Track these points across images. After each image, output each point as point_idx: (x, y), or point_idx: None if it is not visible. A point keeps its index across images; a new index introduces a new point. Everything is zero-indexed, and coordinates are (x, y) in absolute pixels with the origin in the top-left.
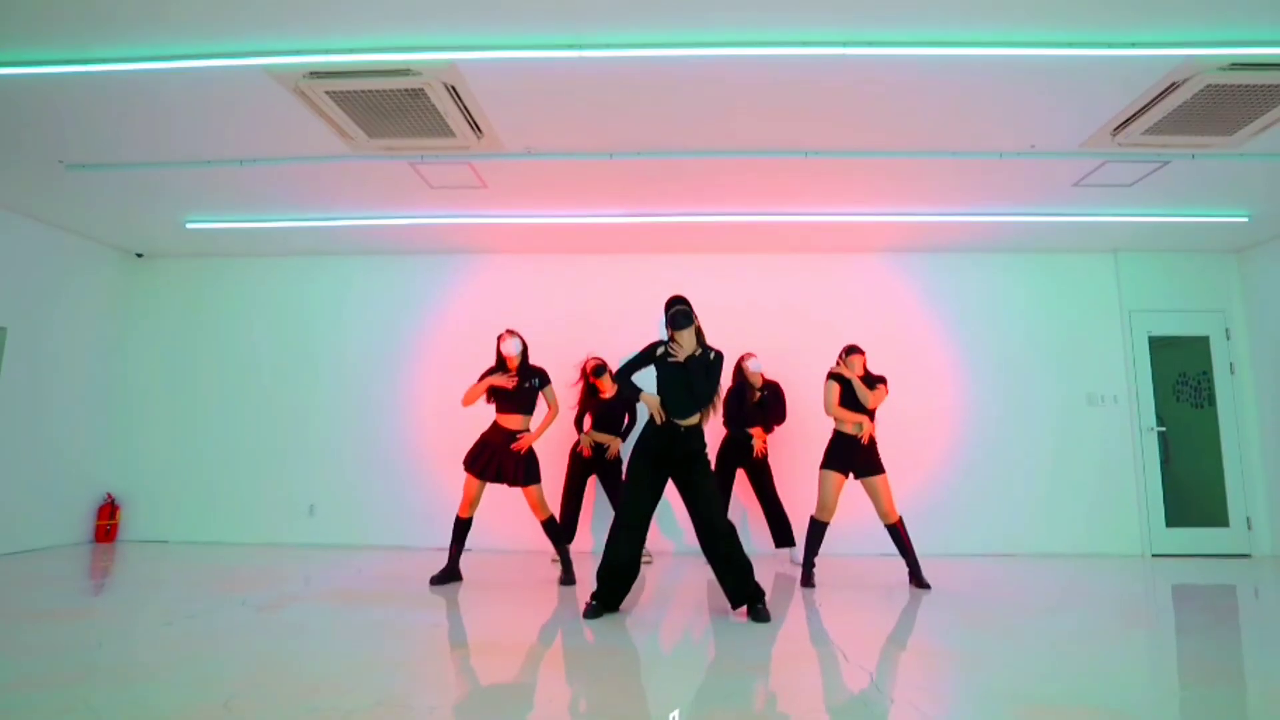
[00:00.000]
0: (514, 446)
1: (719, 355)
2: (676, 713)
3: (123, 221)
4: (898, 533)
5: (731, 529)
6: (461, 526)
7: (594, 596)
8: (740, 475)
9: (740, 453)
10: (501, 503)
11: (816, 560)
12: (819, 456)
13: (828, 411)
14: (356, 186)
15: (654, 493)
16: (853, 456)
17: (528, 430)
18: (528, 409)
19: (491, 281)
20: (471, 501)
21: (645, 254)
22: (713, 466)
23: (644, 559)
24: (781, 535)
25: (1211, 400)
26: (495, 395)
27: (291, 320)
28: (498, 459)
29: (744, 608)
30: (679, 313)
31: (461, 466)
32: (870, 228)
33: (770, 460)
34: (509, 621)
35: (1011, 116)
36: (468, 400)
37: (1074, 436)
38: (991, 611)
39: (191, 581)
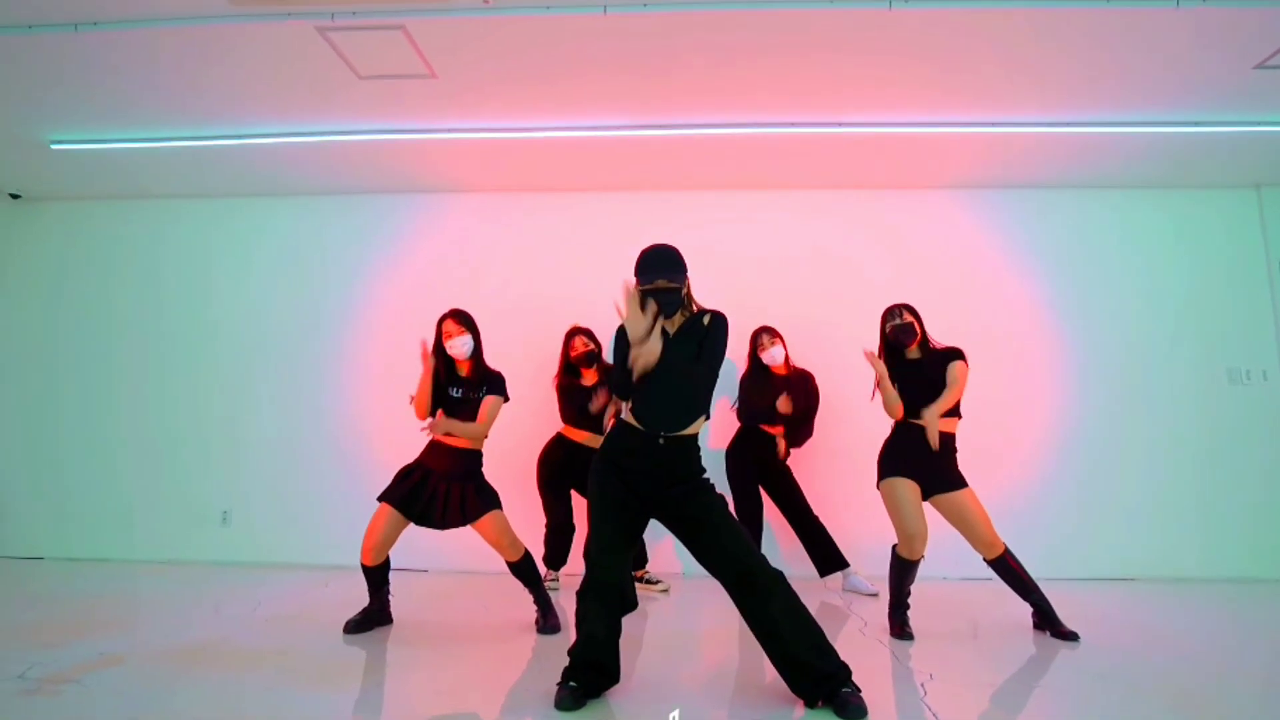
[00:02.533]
0: (427, 430)
1: (717, 318)
2: (676, 713)
3: None
4: (1008, 566)
5: (779, 576)
6: (372, 575)
7: (568, 676)
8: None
9: (757, 453)
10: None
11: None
12: (862, 454)
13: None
14: (256, 79)
15: (630, 533)
16: (921, 458)
17: (479, 451)
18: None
19: (455, 231)
20: (376, 541)
21: (653, 191)
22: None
23: (659, 587)
24: (827, 559)
25: None
26: (437, 402)
27: (198, 281)
28: (429, 490)
29: (820, 697)
30: (661, 293)
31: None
32: (942, 150)
33: (797, 465)
34: (442, 706)
35: None
36: (420, 409)
37: (1213, 424)
38: (1141, 666)
39: (5, 624)
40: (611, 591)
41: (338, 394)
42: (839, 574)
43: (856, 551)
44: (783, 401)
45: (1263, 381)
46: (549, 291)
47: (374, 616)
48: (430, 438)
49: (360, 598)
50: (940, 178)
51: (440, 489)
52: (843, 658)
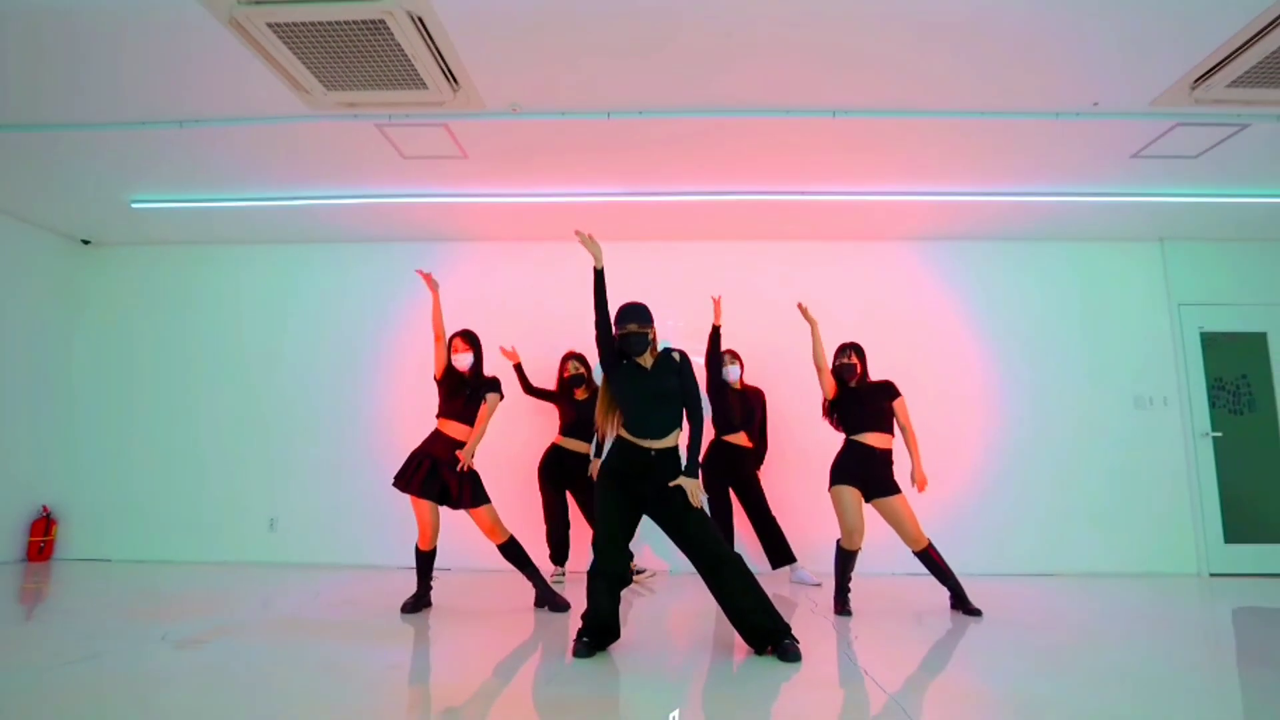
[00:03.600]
0: (459, 466)
1: (684, 355)
2: (676, 713)
3: (62, 200)
4: (930, 558)
5: (738, 558)
6: (423, 559)
7: (581, 635)
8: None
9: (729, 464)
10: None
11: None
12: (814, 466)
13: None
14: (318, 157)
15: (627, 528)
16: (865, 470)
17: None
18: (473, 418)
19: (476, 273)
20: (426, 527)
21: (644, 241)
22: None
23: (646, 575)
24: (777, 553)
25: (1253, 406)
26: (445, 386)
27: (251, 316)
28: (440, 475)
29: (767, 646)
30: (632, 336)
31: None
32: (893, 211)
33: (760, 474)
34: (484, 659)
35: (1076, 65)
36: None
37: (1120, 443)
38: (1038, 640)
39: (116, 609)
40: (614, 573)
41: (373, 415)
42: (787, 568)
43: (809, 545)
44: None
45: (1164, 406)
46: (550, 324)
47: (422, 600)
48: (436, 427)
49: (398, 592)
50: (896, 231)
51: (446, 474)
52: (795, 630)
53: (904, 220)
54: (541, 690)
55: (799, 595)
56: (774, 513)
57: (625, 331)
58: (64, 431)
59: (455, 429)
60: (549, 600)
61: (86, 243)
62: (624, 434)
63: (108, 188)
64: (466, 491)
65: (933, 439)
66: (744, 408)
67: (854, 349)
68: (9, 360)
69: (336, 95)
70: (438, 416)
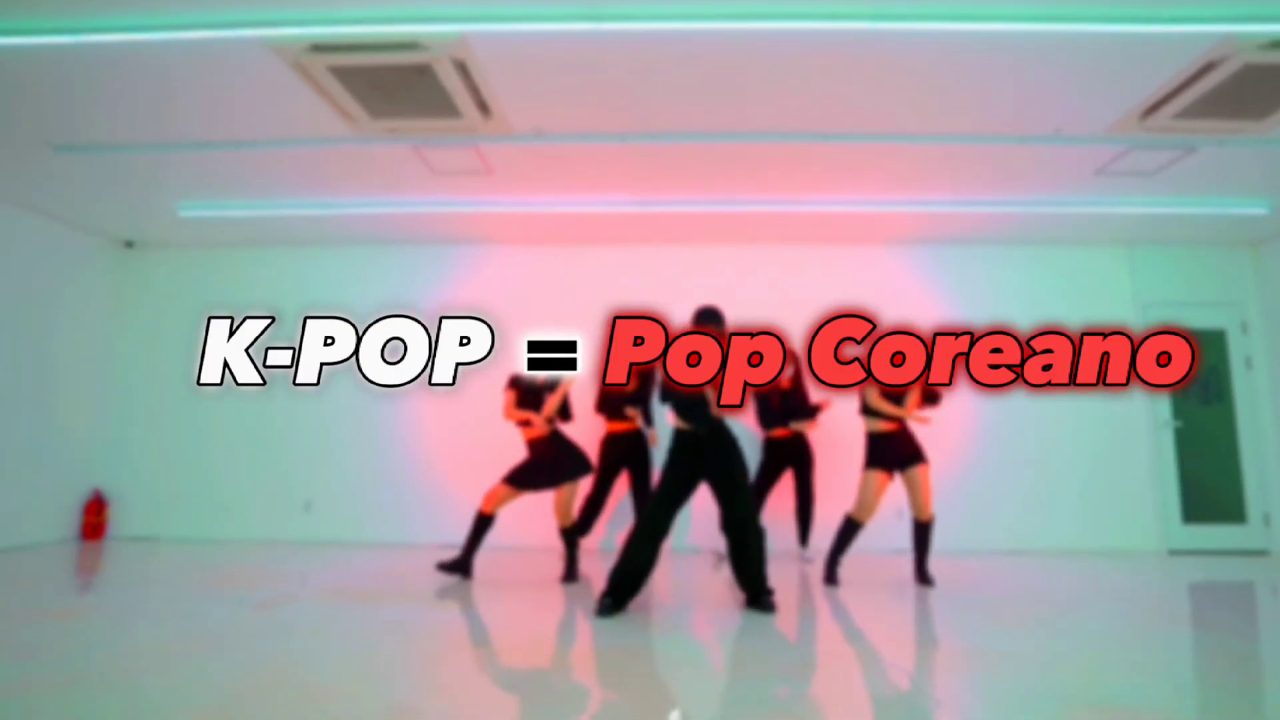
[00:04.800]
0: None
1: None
2: (677, 713)
3: (113, 208)
4: (926, 530)
5: (762, 529)
6: (483, 523)
7: (607, 594)
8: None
9: (781, 459)
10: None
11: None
12: (831, 454)
13: (870, 405)
14: (357, 172)
15: (683, 498)
16: (895, 451)
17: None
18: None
19: (497, 273)
20: (499, 500)
21: (654, 244)
22: (755, 472)
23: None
24: (805, 533)
25: (1221, 396)
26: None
27: (287, 311)
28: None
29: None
30: (707, 315)
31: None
32: (882, 217)
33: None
34: (522, 620)
35: (1039, 98)
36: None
37: (1087, 431)
38: (1010, 610)
39: (184, 579)
40: (657, 540)
41: (401, 403)
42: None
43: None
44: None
45: (1129, 398)
46: (568, 318)
47: (462, 564)
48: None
49: (429, 567)
50: (882, 235)
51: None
52: (796, 594)
53: (888, 226)
54: (578, 641)
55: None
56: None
57: (702, 329)
58: (114, 418)
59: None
60: (568, 577)
61: (130, 245)
62: (678, 424)
63: (158, 199)
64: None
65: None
66: (783, 402)
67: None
68: (61, 353)
69: (380, 123)
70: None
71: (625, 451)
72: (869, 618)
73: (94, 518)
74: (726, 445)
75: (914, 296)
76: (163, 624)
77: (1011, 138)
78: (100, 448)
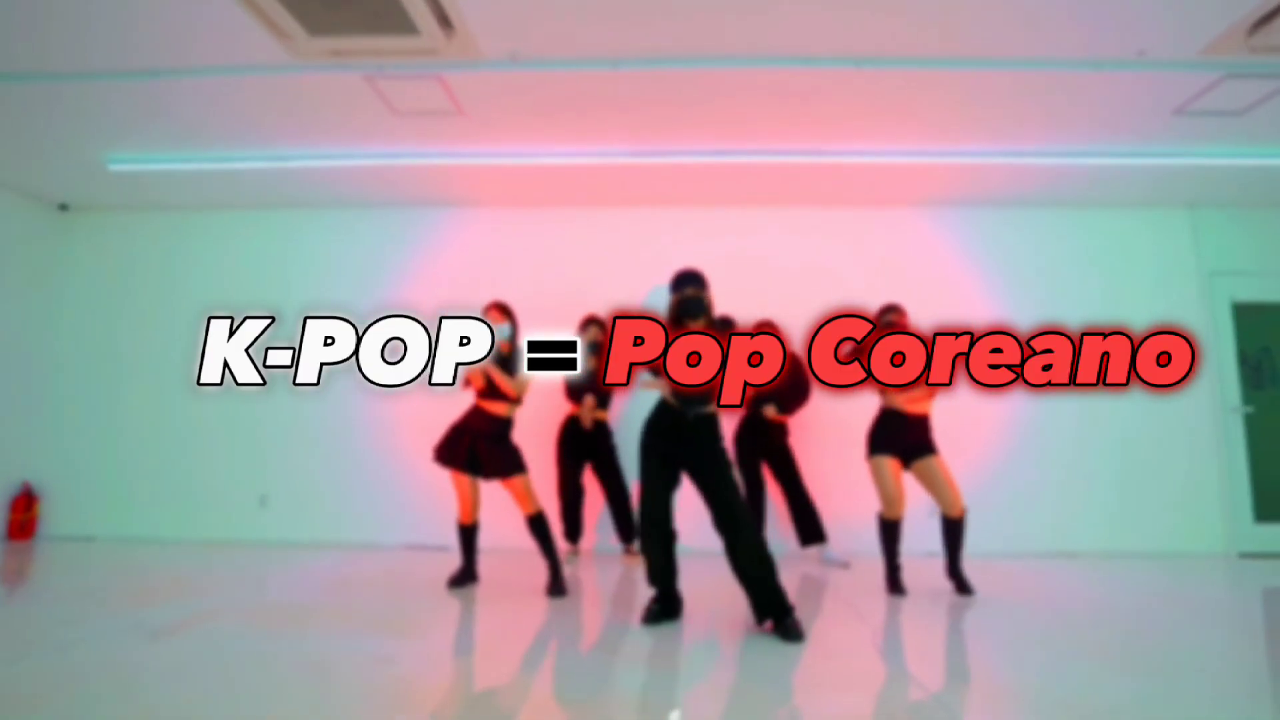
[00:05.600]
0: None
1: (729, 321)
2: (677, 713)
3: (36, 161)
4: (958, 527)
5: (752, 526)
6: (464, 534)
7: (654, 601)
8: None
9: (760, 438)
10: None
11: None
12: (849, 438)
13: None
14: (305, 114)
15: (669, 484)
16: (898, 435)
17: (510, 419)
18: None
19: (475, 240)
20: (464, 499)
21: (654, 207)
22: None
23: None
24: (808, 531)
25: (1276, 379)
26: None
27: (239, 284)
28: (471, 447)
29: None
30: (689, 299)
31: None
32: (912, 174)
33: (794, 446)
34: (490, 648)
35: (1123, 8)
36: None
37: (1146, 418)
38: (1070, 629)
39: (92, 592)
40: (662, 527)
41: (365, 393)
42: (816, 547)
43: (848, 521)
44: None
45: (1194, 381)
46: (559, 295)
47: (469, 574)
48: (474, 403)
49: (393, 572)
50: (914, 195)
51: (481, 446)
52: (797, 601)
53: (920, 185)
54: (563, 689)
55: (824, 575)
56: (809, 489)
57: (683, 296)
58: (46, 404)
59: (497, 406)
60: (557, 588)
61: (64, 208)
62: (668, 398)
63: (82, 147)
64: (500, 461)
65: (947, 412)
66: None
67: (899, 310)
68: None
69: (321, 42)
70: (478, 397)
71: (585, 436)
72: (892, 635)
73: (21, 515)
74: (709, 432)
75: (945, 264)
76: (25, 658)
77: (1086, 63)
78: (30, 436)
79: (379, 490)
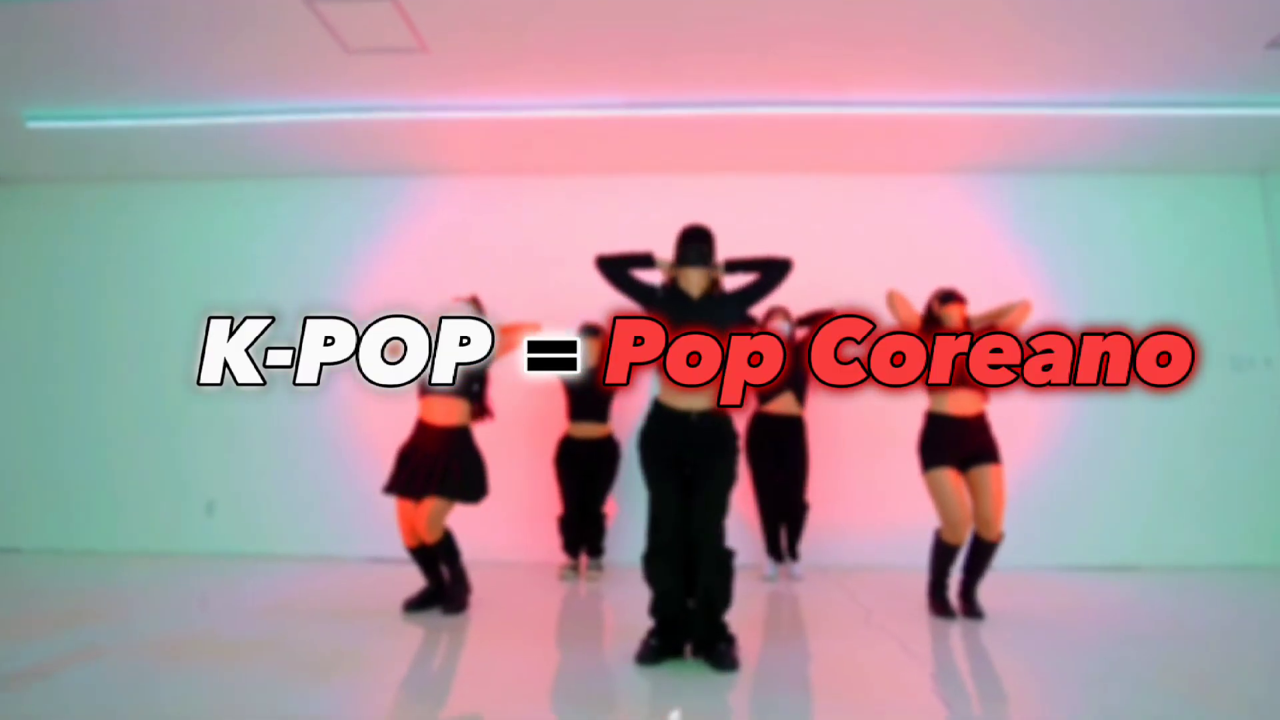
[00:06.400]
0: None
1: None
2: (677, 713)
3: None
4: (990, 554)
5: (719, 546)
6: (417, 556)
7: (652, 634)
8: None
9: (774, 438)
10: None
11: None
12: (869, 439)
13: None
14: (242, 55)
15: (680, 499)
16: (958, 442)
17: (467, 426)
18: (466, 392)
19: (450, 217)
20: (403, 525)
21: (654, 174)
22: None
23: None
24: (793, 546)
25: None
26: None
27: (181, 268)
28: (414, 465)
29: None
30: (693, 249)
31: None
32: (946, 132)
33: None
34: (434, 688)
35: None
36: None
37: (1215, 412)
38: (1122, 645)
39: None
40: (669, 552)
41: (326, 381)
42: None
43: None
44: None
45: (1266, 368)
46: (547, 277)
47: (431, 596)
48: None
49: (345, 590)
50: (941, 162)
51: (424, 464)
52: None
53: (953, 145)
54: None
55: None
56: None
57: (690, 247)
58: None
59: (444, 410)
60: (445, 600)
61: None
62: (661, 400)
63: None
64: (452, 479)
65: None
66: (794, 369)
67: (958, 296)
68: None
69: None
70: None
71: (589, 459)
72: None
73: None
74: (718, 437)
75: (985, 242)
76: None
77: None
78: None
79: (340, 496)
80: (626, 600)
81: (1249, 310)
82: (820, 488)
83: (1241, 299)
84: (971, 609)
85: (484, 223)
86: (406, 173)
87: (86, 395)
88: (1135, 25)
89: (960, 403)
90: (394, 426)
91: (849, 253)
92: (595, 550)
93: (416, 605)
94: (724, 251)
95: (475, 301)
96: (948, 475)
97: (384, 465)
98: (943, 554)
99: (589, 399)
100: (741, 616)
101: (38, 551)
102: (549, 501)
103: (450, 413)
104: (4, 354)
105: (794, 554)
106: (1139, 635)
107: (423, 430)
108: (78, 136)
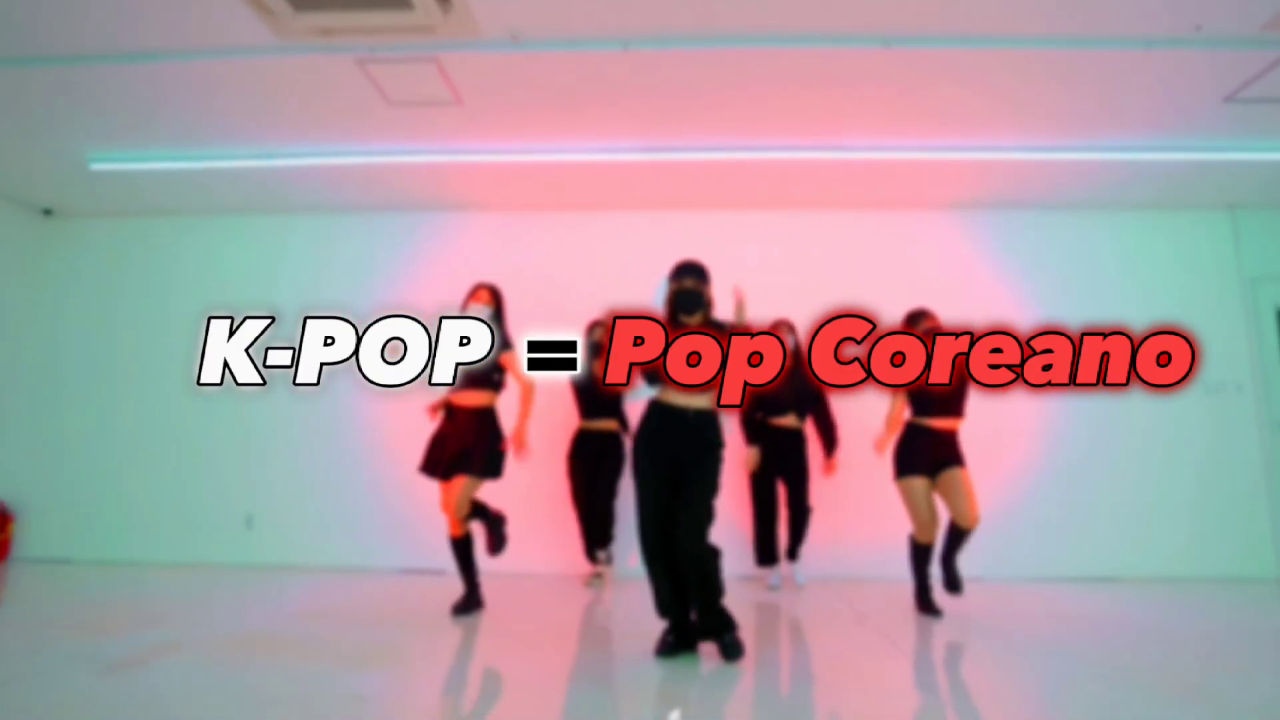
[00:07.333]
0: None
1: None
2: (677, 713)
3: (14, 158)
4: (965, 539)
5: (713, 555)
6: (459, 547)
7: (668, 632)
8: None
9: (778, 451)
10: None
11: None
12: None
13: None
14: (294, 107)
15: (665, 498)
16: (928, 451)
17: (492, 406)
18: (489, 383)
19: (474, 248)
20: (447, 509)
21: (666, 210)
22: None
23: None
24: (794, 548)
25: None
26: None
27: (227, 295)
28: (447, 447)
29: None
30: (687, 292)
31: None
32: (937, 174)
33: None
34: (483, 683)
35: None
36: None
37: (1187, 434)
38: (1099, 653)
39: (53, 620)
40: (662, 553)
41: (358, 402)
42: (770, 569)
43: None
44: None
45: (1237, 393)
46: (564, 305)
47: (472, 600)
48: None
49: (381, 598)
50: (936, 199)
51: (453, 445)
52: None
53: (944, 185)
54: None
55: (771, 600)
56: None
57: (681, 287)
58: (23, 419)
59: (472, 396)
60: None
61: (48, 213)
62: (659, 399)
63: (61, 143)
64: (472, 460)
65: (977, 428)
66: (796, 384)
67: (929, 315)
68: None
69: (307, 18)
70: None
71: (598, 451)
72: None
73: None
74: (710, 430)
75: (975, 273)
76: None
77: (1136, 40)
78: (6, 453)
79: (373, 510)
80: (646, 606)
81: (1221, 337)
82: (823, 498)
83: (1214, 327)
84: (951, 579)
85: (506, 254)
86: (437, 208)
87: (134, 415)
88: (1116, 82)
89: (941, 419)
90: (416, 446)
91: (850, 283)
92: (604, 539)
93: (462, 609)
94: (730, 280)
95: (495, 291)
96: (919, 483)
97: (415, 479)
98: (918, 554)
99: (597, 397)
100: (744, 619)
101: (86, 562)
102: (568, 515)
103: (477, 397)
104: (56, 375)
105: (793, 555)
106: (1119, 642)
107: (451, 413)
108: (136, 177)
